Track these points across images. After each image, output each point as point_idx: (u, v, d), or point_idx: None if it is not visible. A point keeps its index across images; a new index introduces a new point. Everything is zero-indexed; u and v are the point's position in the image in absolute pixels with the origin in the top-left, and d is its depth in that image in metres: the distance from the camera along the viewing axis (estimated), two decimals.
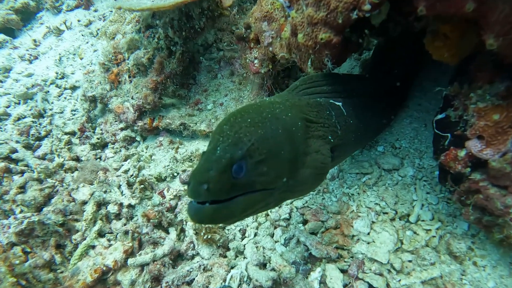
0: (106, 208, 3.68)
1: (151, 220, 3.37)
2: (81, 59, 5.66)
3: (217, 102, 4.25)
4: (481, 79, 2.07)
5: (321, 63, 2.46)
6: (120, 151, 4.53)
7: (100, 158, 4.52)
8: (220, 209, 1.59)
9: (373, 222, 3.09)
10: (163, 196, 3.70)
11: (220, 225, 3.35)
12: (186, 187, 1.49)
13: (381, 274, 2.74)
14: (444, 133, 2.31)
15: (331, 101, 2.50)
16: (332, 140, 2.29)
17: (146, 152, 4.35)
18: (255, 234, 3.42)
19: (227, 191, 1.59)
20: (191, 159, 4.02)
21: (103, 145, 4.71)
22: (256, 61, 3.39)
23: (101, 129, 4.77)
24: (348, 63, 4.30)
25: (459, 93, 2.23)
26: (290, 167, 1.87)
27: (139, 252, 3.26)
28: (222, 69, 4.31)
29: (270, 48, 3.10)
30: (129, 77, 4.33)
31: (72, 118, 4.96)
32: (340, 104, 2.52)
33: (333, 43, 2.19)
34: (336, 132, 2.37)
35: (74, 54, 5.85)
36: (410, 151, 3.46)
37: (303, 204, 3.46)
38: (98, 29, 5.92)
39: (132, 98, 4.25)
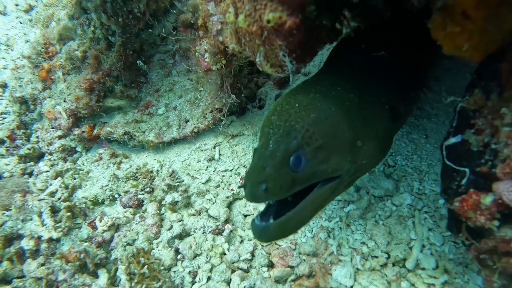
0: (20, 244, 2.89)
1: (70, 264, 2.59)
2: (12, 51, 4.78)
3: (170, 105, 3.44)
4: None
5: (277, 57, 1.68)
6: (57, 164, 3.71)
7: (31, 173, 3.69)
8: (287, 222, 1.49)
9: (357, 269, 2.34)
10: (94, 227, 2.92)
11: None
12: (242, 189, 1.67)
13: None
14: (459, 166, 1.52)
15: (373, 54, 2.15)
16: (389, 97, 2.01)
17: (84, 167, 3.54)
18: (208, 279, 2.67)
19: (287, 187, 1.45)
20: (136, 177, 3.21)
21: (38, 157, 3.87)
22: (206, 55, 2.58)
23: (37, 137, 3.94)
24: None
25: (483, 106, 1.46)
26: (352, 146, 1.69)
27: None
28: (177, 64, 3.49)
29: (220, 38, 2.30)
30: (63, 74, 3.50)
31: (2, 123, 4.12)
32: (382, 53, 2.16)
33: (287, 28, 1.40)
34: (391, 87, 2.06)
35: (7, 46, 4.95)
36: (407, 171, 2.72)
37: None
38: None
39: (64, 101, 3.43)
